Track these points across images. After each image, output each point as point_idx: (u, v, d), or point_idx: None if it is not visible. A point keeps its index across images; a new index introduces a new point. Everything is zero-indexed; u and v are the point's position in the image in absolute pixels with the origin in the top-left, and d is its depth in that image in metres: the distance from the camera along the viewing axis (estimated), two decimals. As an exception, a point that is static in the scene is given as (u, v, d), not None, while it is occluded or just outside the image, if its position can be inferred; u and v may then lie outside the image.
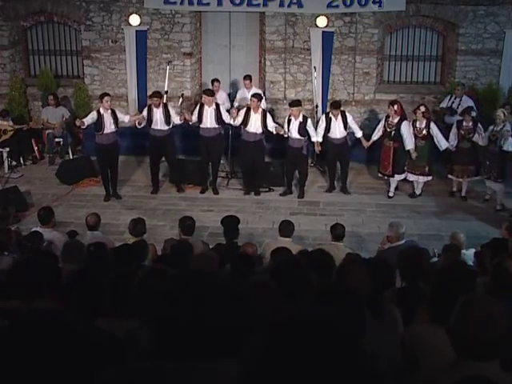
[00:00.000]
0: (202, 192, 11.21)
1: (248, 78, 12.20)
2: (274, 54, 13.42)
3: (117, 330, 2.94)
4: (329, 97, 12.88)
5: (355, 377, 1.27)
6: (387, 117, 10.97)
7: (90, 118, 10.55)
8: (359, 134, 11.16)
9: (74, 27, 13.78)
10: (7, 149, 12.06)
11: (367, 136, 11.23)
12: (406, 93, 13.49)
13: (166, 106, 10.97)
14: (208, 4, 12.82)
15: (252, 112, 10.76)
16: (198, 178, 11.38)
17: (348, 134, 11.11)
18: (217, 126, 10.98)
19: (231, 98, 12.87)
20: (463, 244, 7.15)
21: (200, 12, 13.50)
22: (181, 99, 12.02)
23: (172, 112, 11.02)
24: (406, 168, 10.91)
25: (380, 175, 11.29)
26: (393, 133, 10.75)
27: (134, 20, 12.85)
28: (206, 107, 10.88)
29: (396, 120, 10.75)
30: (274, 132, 10.86)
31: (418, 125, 10.78)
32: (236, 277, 4.54)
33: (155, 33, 13.37)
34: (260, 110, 10.81)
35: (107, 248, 5.83)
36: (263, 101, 11.52)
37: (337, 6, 12.64)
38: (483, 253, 6.07)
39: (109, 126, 10.58)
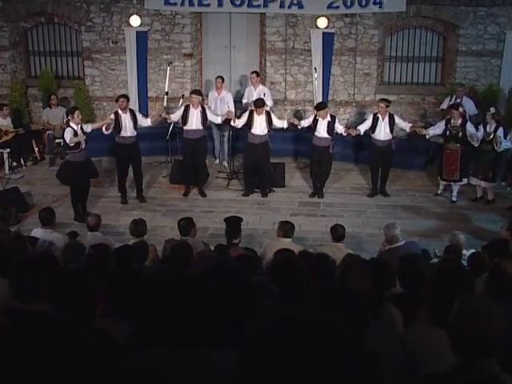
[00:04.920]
0: (185, 194, 11.07)
1: (255, 73, 12.23)
2: (275, 55, 13.43)
3: (117, 330, 2.93)
4: (329, 98, 12.89)
5: (355, 380, 1.27)
6: (448, 121, 10.71)
7: (73, 136, 9.75)
8: (408, 126, 11.05)
9: (74, 28, 13.80)
10: (8, 150, 12.07)
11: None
12: (407, 94, 13.51)
13: (132, 111, 10.73)
14: (208, 5, 12.82)
15: (255, 114, 10.76)
16: (194, 179, 11.26)
17: (393, 138, 10.99)
18: (202, 127, 10.90)
19: (238, 96, 12.97)
20: (463, 245, 7.14)
21: (200, 13, 13.52)
22: (181, 100, 12.03)
23: (139, 116, 10.77)
24: (470, 171, 10.69)
25: (444, 182, 10.99)
26: (460, 133, 10.49)
27: (135, 21, 12.85)
28: (191, 109, 10.76)
29: (459, 121, 10.54)
30: (286, 126, 10.94)
31: (487, 128, 10.47)
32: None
33: (156, 34, 13.39)
34: (263, 111, 10.81)
35: (110, 249, 5.82)
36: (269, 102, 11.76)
37: (337, 7, 12.64)
38: (482, 254, 6.07)
39: (83, 141, 9.91)
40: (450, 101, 12.12)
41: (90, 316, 3.04)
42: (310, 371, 1.24)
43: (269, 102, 11.76)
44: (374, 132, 10.88)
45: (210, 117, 11.04)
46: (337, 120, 10.99)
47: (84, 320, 2.88)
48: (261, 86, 12.18)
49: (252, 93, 11.93)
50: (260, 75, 12.47)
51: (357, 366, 1.28)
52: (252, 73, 12.28)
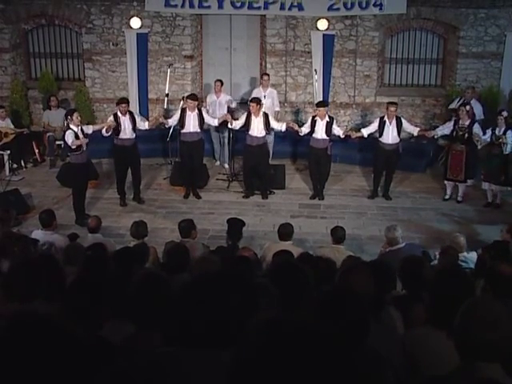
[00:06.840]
0: (186, 196, 11.06)
1: (267, 75, 12.36)
2: (275, 57, 13.44)
3: (116, 333, 2.92)
4: (330, 99, 12.88)
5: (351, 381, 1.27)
6: (457, 121, 10.67)
7: (75, 138, 9.71)
8: (416, 130, 11.02)
9: (75, 30, 13.80)
10: (8, 151, 12.07)
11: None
12: (407, 95, 13.51)
13: (131, 113, 10.72)
14: (209, 7, 12.83)
15: (253, 116, 10.76)
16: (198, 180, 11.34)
17: (401, 140, 10.92)
18: (199, 130, 10.90)
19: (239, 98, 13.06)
20: (464, 247, 7.13)
21: (201, 15, 13.53)
22: (181, 102, 12.03)
23: (138, 119, 10.78)
24: (482, 177, 10.60)
25: (448, 182, 10.94)
26: (466, 135, 10.47)
27: (135, 23, 12.84)
28: (188, 112, 10.78)
29: (467, 122, 10.53)
30: (284, 129, 10.93)
31: (496, 132, 10.34)
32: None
33: (156, 36, 13.40)
34: (261, 113, 10.81)
35: (106, 250, 5.81)
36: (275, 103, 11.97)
37: (337, 9, 12.65)
38: (484, 255, 6.07)
39: (84, 144, 9.84)
40: (459, 101, 12.05)
41: (92, 318, 3.04)
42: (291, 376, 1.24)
43: (276, 107, 12.22)
44: (381, 135, 10.80)
45: (207, 119, 11.04)
46: (334, 122, 10.96)
47: (87, 322, 2.87)
48: (270, 89, 12.23)
49: (261, 94, 11.92)
50: (269, 76, 12.47)
51: (349, 368, 1.27)
52: (264, 75, 12.40)
